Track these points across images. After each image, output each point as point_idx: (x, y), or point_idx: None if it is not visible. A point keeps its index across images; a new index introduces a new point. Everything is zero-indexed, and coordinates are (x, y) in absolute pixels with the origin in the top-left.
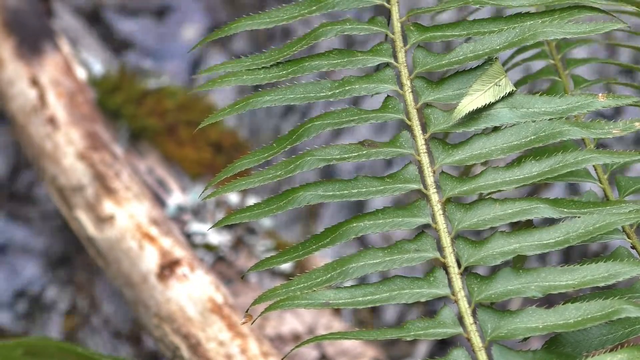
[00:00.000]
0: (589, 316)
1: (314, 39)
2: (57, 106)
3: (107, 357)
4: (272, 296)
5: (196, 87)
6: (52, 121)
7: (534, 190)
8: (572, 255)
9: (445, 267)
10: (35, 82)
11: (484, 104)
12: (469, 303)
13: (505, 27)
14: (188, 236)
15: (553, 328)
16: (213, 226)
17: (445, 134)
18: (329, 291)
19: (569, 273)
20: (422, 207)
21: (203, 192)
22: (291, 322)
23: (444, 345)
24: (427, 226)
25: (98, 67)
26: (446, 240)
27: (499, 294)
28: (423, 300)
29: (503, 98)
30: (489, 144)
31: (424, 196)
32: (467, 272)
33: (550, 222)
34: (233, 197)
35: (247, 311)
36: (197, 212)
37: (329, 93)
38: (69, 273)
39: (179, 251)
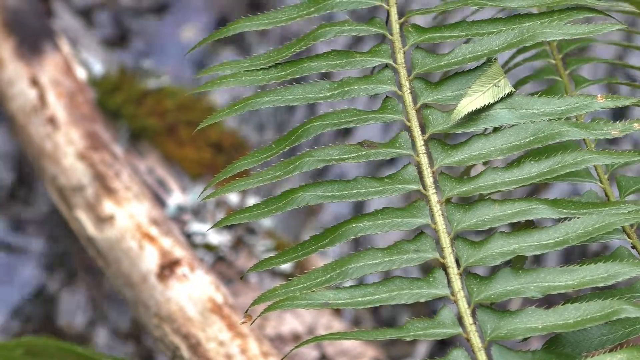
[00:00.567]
0: (589, 316)
1: (313, 40)
2: (57, 106)
3: (107, 357)
4: (271, 296)
5: (196, 88)
6: (52, 121)
7: (533, 191)
8: (572, 255)
9: (444, 268)
10: (35, 82)
11: (483, 105)
12: (469, 303)
13: (504, 28)
14: (188, 236)
15: (553, 328)
16: (213, 226)
17: (444, 134)
18: (329, 291)
19: (569, 273)
20: (421, 208)
21: (203, 192)
22: (291, 322)
23: (443, 345)
24: (426, 227)
25: (98, 67)
26: (445, 241)
27: (499, 295)
28: (422, 300)
29: (502, 99)
30: (488, 145)
31: (423, 197)
32: (467, 273)
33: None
34: (233, 197)
35: (247, 311)
36: (197, 212)
37: (328, 94)
38: (69, 273)
39: (179, 251)
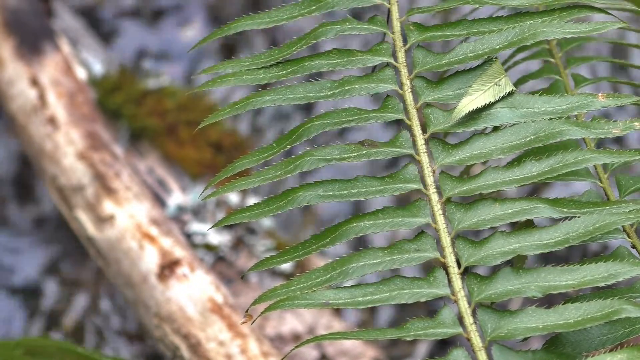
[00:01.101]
0: (589, 316)
1: (314, 38)
2: (57, 106)
3: (107, 357)
4: (272, 296)
5: (196, 87)
6: (52, 121)
7: (534, 190)
8: (572, 255)
9: (445, 267)
10: (35, 82)
11: (483, 104)
12: (469, 303)
13: (505, 27)
14: (188, 236)
15: (553, 328)
16: (213, 226)
17: (445, 133)
18: (329, 291)
19: (569, 273)
20: (422, 207)
21: (203, 192)
22: (291, 322)
23: (444, 345)
24: (427, 226)
25: (98, 67)
26: (446, 240)
27: (499, 294)
28: (423, 300)
29: (503, 98)
30: (489, 144)
31: (424, 196)
32: (467, 272)
33: (550, 222)
34: (233, 197)
35: (247, 311)
36: (197, 212)
37: (329, 93)
38: (68, 273)
39: (179, 251)
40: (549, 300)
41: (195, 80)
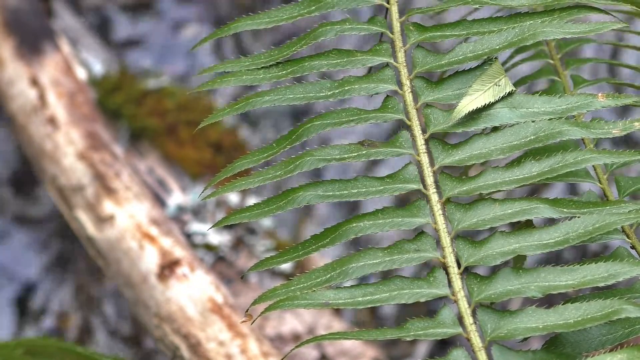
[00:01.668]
0: (589, 316)
1: (314, 39)
2: (57, 106)
3: (107, 357)
4: (272, 296)
5: (196, 87)
6: (52, 121)
7: (534, 190)
8: (573, 255)
9: (445, 267)
10: (35, 82)
11: (483, 104)
12: (469, 303)
13: (505, 27)
14: (188, 236)
15: (553, 328)
16: (213, 226)
17: (444, 133)
18: (329, 291)
19: (569, 273)
20: (421, 207)
21: (203, 192)
22: (291, 322)
23: (444, 345)
24: (426, 226)
25: (98, 67)
26: (446, 240)
27: (499, 294)
28: (423, 300)
29: (503, 98)
30: (488, 144)
31: (423, 196)
32: (467, 272)
33: (550, 222)
34: (233, 197)
35: (247, 311)
36: (197, 212)
37: (329, 93)
38: (68, 273)
39: (179, 251)
40: (549, 300)
41: (195, 80)
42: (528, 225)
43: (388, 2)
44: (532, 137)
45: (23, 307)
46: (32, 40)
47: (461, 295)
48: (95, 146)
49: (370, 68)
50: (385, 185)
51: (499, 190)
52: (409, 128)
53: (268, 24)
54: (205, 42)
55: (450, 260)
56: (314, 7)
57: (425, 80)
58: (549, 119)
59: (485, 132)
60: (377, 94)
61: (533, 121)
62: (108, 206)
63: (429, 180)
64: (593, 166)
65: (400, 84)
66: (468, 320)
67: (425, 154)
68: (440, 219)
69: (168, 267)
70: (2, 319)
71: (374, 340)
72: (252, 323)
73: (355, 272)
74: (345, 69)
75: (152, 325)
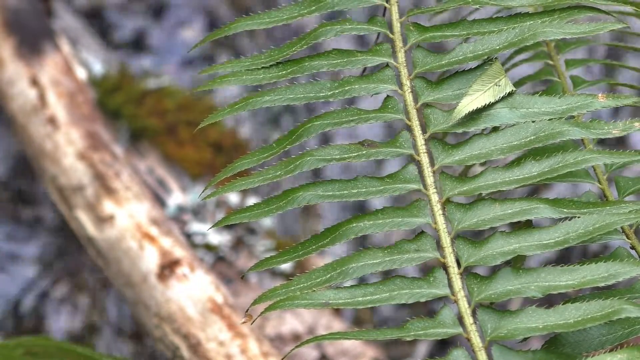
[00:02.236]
0: (589, 316)
1: (314, 39)
2: (57, 106)
3: (107, 357)
4: (272, 296)
5: (196, 87)
6: (52, 121)
7: (534, 190)
8: (572, 255)
9: (445, 267)
10: (35, 82)
11: (483, 104)
12: (469, 303)
13: (505, 28)
14: (188, 236)
15: (553, 328)
16: (213, 226)
17: (444, 134)
18: (329, 291)
19: (569, 273)
20: (422, 207)
21: (203, 192)
22: (291, 322)
23: (444, 345)
24: (427, 226)
25: (98, 67)
26: (446, 240)
27: (499, 294)
28: (423, 300)
29: (503, 98)
30: (488, 144)
31: (423, 196)
32: (467, 272)
33: (550, 222)
34: (233, 197)
35: (247, 311)
36: (197, 212)
37: (329, 93)
38: (68, 273)
39: (179, 251)
40: (549, 300)
41: (195, 80)
42: (528, 225)
43: (388, 2)
44: (532, 138)
45: (23, 307)
46: (32, 40)
47: (461, 295)
48: (95, 146)
49: (368, 68)
50: (386, 185)
51: (499, 191)
52: (409, 128)
53: (269, 24)
54: (204, 42)
55: (450, 260)
56: (314, 7)
57: (425, 80)
58: (549, 119)
59: (485, 132)
60: (377, 94)
61: (533, 121)
62: (108, 206)
63: (429, 180)
64: (593, 166)
65: (400, 84)
66: (468, 320)
67: (425, 154)
68: (440, 219)
69: (168, 267)
70: (2, 319)
71: (374, 340)
72: (252, 323)
73: (355, 272)
74: (345, 69)
75: (152, 325)
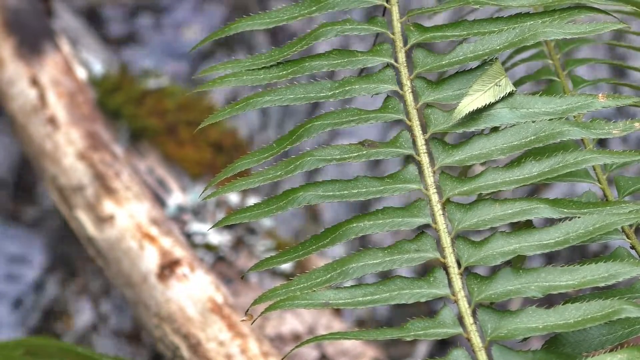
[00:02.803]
0: (589, 316)
1: (314, 39)
2: (57, 106)
3: (107, 357)
4: (272, 296)
5: (196, 87)
6: (52, 121)
7: (534, 190)
8: (573, 255)
9: (445, 267)
10: (35, 82)
11: (484, 104)
12: (469, 303)
13: (505, 28)
14: (188, 236)
15: (553, 328)
16: (213, 226)
17: (445, 134)
18: (329, 291)
19: (569, 273)
20: (422, 207)
21: (203, 192)
22: (291, 322)
23: (444, 345)
24: (427, 226)
25: (98, 67)
26: (446, 241)
27: (499, 294)
28: (423, 300)
29: (503, 98)
30: (489, 144)
31: (424, 196)
32: (467, 272)
33: (550, 222)
34: (233, 197)
35: (247, 311)
36: (197, 212)
37: (329, 93)
38: (68, 273)
39: (179, 251)
40: (549, 300)
41: (195, 80)
42: (528, 225)
43: (388, 2)
44: (532, 138)
45: (23, 307)
46: (32, 40)
47: (461, 295)
48: (95, 146)
49: (364, 69)
50: (386, 186)
51: (499, 191)
52: (409, 128)
53: (269, 24)
54: (205, 43)
55: (451, 261)
56: (314, 7)
57: (425, 80)
58: (550, 119)
59: (485, 133)
60: (377, 94)
61: (533, 121)
62: (108, 206)
63: (429, 180)
64: (593, 166)
65: (400, 84)
66: (468, 320)
67: (426, 154)
68: (441, 219)
69: (168, 267)
70: (2, 318)
71: (374, 340)
72: (252, 323)
73: (356, 272)
74: (345, 69)
75: (152, 325)
